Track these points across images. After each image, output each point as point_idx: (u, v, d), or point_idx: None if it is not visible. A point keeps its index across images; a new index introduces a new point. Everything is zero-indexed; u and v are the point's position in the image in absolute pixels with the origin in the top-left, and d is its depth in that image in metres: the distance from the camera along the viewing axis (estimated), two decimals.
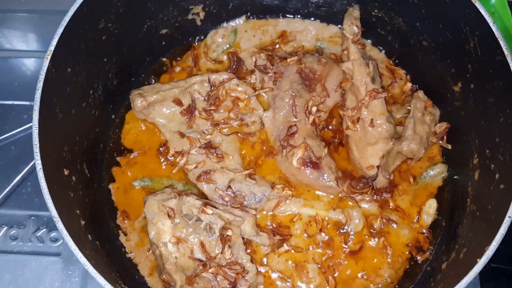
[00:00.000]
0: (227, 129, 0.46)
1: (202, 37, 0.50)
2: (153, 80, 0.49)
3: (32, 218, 0.48)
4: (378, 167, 0.42)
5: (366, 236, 0.43)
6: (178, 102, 0.44)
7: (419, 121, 0.43)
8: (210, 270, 0.38)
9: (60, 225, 0.31)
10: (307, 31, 0.51)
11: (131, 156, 0.45)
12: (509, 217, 0.33)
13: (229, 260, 0.39)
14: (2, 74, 0.54)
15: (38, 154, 0.32)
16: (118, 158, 0.45)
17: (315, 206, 0.44)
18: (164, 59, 0.49)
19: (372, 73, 0.44)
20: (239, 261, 0.40)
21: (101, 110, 0.44)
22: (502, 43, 0.36)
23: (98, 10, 0.39)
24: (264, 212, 0.44)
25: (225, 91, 0.45)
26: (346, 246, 0.43)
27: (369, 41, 0.50)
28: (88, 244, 0.35)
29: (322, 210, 0.44)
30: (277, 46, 0.50)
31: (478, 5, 0.37)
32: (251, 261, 0.40)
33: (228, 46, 0.50)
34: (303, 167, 0.43)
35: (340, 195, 0.44)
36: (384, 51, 0.50)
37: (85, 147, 0.42)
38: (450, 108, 0.44)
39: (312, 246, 0.43)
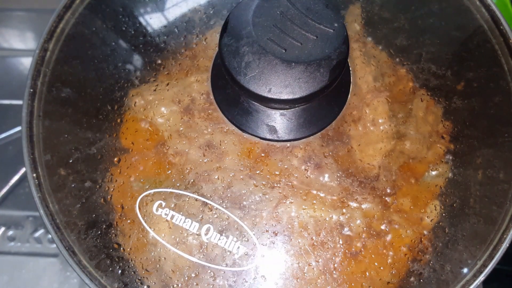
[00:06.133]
0: (227, 128, 0.45)
1: (201, 36, 0.50)
2: (151, 80, 0.48)
3: (30, 218, 0.48)
4: (379, 167, 0.42)
5: (367, 237, 0.42)
6: (177, 102, 0.44)
7: (421, 120, 0.43)
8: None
9: (50, 229, 0.31)
10: None
11: (130, 156, 0.45)
12: None
13: None
14: None
15: (27, 156, 0.32)
16: (116, 158, 0.45)
17: (315, 207, 0.43)
18: (161, 60, 0.49)
19: (373, 71, 0.44)
20: None
21: (98, 109, 0.44)
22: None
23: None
24: (264, 212, 0.43)
25: None
26: (346, 247, 0.42)
27: (370, 39, 0.50)
28: (84, 246, 0.35)
29: (323, 211, 0.43)
30: None
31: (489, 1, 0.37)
32: None
33: None
34: (303, 167, 0.43)
35: (340, 196, 0.43)
36: (385, 50, 0.50)
37: (82, 147, 0.41)
38: (452, 108, 0.44)
39: (313, 246, 0.43)
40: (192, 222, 0.40)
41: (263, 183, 0.43)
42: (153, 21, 0.46)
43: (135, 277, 0.42)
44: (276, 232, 0.42)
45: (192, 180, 0.43)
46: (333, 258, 0.43)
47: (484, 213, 0.38)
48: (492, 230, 0.35)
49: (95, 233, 0.40)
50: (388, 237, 0.43)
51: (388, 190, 0.44)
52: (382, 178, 0.43)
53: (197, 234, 0.40)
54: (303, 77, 0.30)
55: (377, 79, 0.45)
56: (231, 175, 0.43)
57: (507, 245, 0.33)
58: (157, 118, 0.45)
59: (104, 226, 0.42)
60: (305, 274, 0.42)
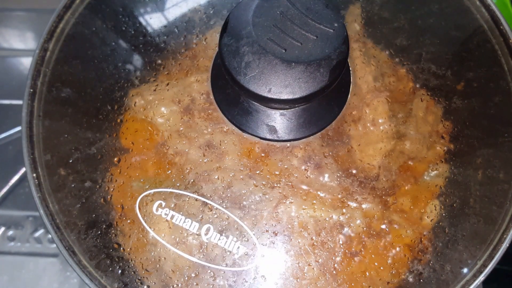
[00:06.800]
0: (227, 128, 0.45)
1: (201, 36, 0.50)
2: (151, 80, 0.48)
3: (30, 218, 0.48)
4: (379, 167, 0.42)
5: (367, 237, 0.42)
6: (177, 102, 0.44)
7: (421, 120, 0.43)
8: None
9: (50, 229, 0.31)
10: None
11: (130, 156, 0.45)
12: None
13: None
14: None
15: (27, 156, 0.32)
16: (116, 158, 0.45)
17: (315, 207, 0.43)
18: (161, 60, 0.49)
19: (373, 71, 0.44)
20: None
21: (98, 109, 0.44)
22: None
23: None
24: (264, 212, 0.43)
25: None
26: (346, 247, 0.42)
27: (370, 39, 0.50)
28: (84, 246, 0.35)
29: (323, 211, 0.43)
30: None
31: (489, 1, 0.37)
32: None
33: None
34: (303, 167, 0.43)
35: (340, 196, 0.43)
36: (385, 50, 0.49)
37: (82, 147, 0.41)
38: (452, 108, 0.44)
39: (313, 246, 0.43)
40: (192, 222, 0.40)
41: (263, 183, 0.43)
42: (153, 21, 0.46)
43: (135, 277, 0.42)
44: (276, 232, 0.42)
45: (192, 180, 0.43)
46: (333, 258, 0.43)
47: (484, 213, 0.38)
48: (492, 230, 0.35)
49: (95, 233, 0.40)
50: (388, 237, 0.43)
51: (388, 190, 0.44)
52: (382, 178, 0.43)
53: (197, 234, 0.40)
54: (303, 77, 0.30)
55: (377, 79, 0.45)
56: (231, 175, 0.43)
57: (507, 245, 0.33)
58: (157, 118, 0.45)
59: (104, 226, 0.42)
60: (305, 274, 0.42)
